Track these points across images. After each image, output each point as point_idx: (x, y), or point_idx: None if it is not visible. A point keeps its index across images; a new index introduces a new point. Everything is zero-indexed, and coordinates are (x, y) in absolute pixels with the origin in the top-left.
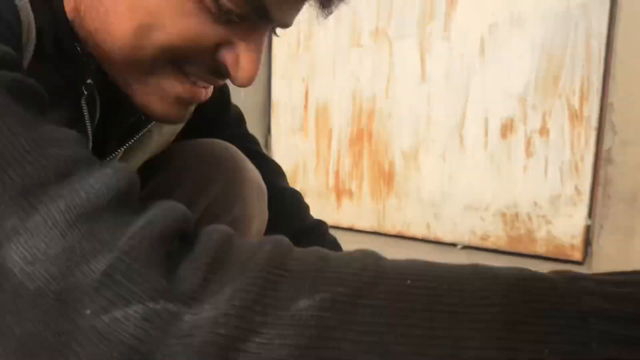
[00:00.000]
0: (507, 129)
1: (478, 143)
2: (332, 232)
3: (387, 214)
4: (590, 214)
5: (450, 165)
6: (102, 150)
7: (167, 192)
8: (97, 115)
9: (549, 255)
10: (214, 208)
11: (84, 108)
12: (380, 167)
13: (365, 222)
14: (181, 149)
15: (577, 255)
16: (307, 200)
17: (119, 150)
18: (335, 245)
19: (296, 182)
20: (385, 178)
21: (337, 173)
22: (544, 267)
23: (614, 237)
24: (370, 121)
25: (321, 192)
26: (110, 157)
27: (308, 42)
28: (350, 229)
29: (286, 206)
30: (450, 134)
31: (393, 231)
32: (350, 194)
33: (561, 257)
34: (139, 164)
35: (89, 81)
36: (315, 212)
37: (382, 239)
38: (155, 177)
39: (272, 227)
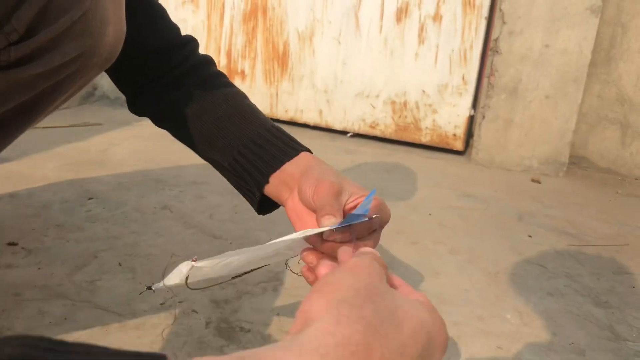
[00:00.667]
0: (402, 12)
1: (373, 27)
2: None
3: (280, 99)
4: (475, 104)
5: (344, 50)
6: None
7: None
8: None
9: (433, 144)
10: None
11: None
12: (275, 47)
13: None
14: None
15: (459, 145)
16: None
17: None
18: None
19: None
20: (280, 59)
21: (229, 52)
22: (427, 156)
23: (493, 126)
24: None
25: None
26: None
27: None
28: None
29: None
30: (346, 15)
31: (285, 117)
32: (242, 75)
33: (444, 146)
34: None
35: None
36: None
37: None
38: None
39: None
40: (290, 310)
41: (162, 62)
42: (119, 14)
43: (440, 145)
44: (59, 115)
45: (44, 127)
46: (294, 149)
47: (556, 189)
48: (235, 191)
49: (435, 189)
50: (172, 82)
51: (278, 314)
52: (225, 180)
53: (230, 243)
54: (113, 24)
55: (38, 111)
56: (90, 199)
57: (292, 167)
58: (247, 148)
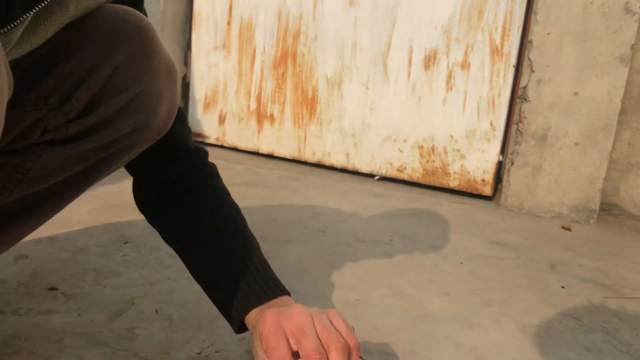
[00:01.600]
0: (430, 60)
1: (401, 73)
2: (252, 158)
3: (308, 142)
4: (503, 150)
5: (372, 95)
6: (5, 15)
7: (66, 56)
8: None
9: (461, 189)
10: (119, 76)
11: None
12: (304, 92)
13: (285, 149)
14: (88, 15)
15: (487, 191)
16: (227, 123)
17: (26, 16)
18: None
19: (216, 104)
20: (308, 104)
21: (258, 96)
22: (455, 201)
23: (522, 172)
24: (295, 43)
25: (241, 116)
26: (16, 23)
27: None
28: (270, 156)
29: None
30: (374, 62)
31: (313, 159)
32: (272, 118)
33: (472, 191)
34: (48, 35)
35: None
36: (235, 137)
37: (302, 167)
38: (53, 39)
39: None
40: None
41: (171, 163)
42: (174, 90)
43: (469, 190)
44: None
45: None
46: (266, 296)
47: (587, 237)
48: (266, 236)
49: (465, 236)
50: (176, 187)
51: None
52: (255, 225)
53: None
54: (167, 100)
55: (91, 180)
56: (125, 243)
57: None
58: (224, 287)
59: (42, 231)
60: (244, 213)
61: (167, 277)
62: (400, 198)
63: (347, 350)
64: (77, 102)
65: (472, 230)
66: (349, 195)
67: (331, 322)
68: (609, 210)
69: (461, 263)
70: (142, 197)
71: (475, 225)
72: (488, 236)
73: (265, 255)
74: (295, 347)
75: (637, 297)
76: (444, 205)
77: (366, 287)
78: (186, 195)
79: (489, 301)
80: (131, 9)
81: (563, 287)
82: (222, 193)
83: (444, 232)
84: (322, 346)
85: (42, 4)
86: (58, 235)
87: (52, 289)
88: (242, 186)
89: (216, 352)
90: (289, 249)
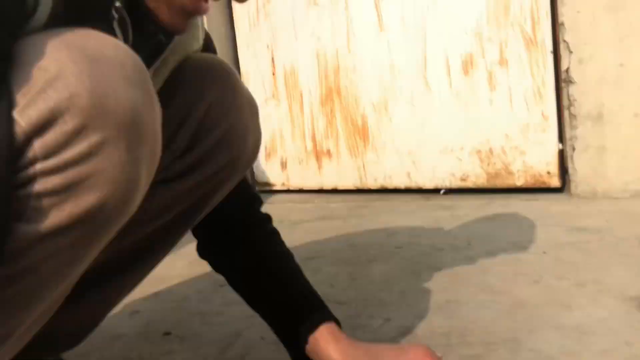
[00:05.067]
0: (467, 64)
1: (443, 83)
2: (318, 196)
3: (367, 169)
4: (561, 138)
5: (420, 110)
6: None
7: (167, 102)
8: (130, 37)
9: (528, 186)
10: (211, 114)
11: (117, 32)
12: (354, 123)
13: (347, 181)
14: (180, 64)
15: (555, 182)
16: (289, 167)
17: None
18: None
19: (275, 151)
20: (360, 133)
21: (313, 136)
22: (525, 199)
23: (586, 156)
24: (337, 78)
25: (301, 158)
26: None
27: (267, 8)
28: (334, 190)
29: None
30: (415, 79)
31: (375, 185)
32: (329, 154)
33: (540, 185)
34: (157, 87)
35: (117, 4)
36: (299, 179)
37: (366, 195)
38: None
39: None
40: None
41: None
42: (257, 123)
43: (536, 186)
44: None
45: None
46: (313, 322)
47: None
48: (347, 260)
49: (543, 229)
50: (238, 236)
51: None
52: (335, 252)
53: (355, 307)
54: (252, 132)
55: (195, 217)
56: (221, 286)
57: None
58: (279, 316)
59: (147, 288)
60: (321, 245)
61: None
62: (470, 206)
63: None
64: (181, 141)
65: (549, 222)
66: (418, 212)
67: None
68: None
69: (544, 253)
70: (207, 250)
71: (550, 217)
72: (566, 225)
73: (350, 277)
74: None
75: None
76: (515, 205)
77: (455, 288)
78: (250, 236)
79: (583, 282)
80: (212, 55)
81: None
82: (275, 234)
83: (520, 229)
84: None
85: (158, 61)
86: (161, 290)
87: (167, 334)
88: (315, 222)
89: None
90: (372, 267)
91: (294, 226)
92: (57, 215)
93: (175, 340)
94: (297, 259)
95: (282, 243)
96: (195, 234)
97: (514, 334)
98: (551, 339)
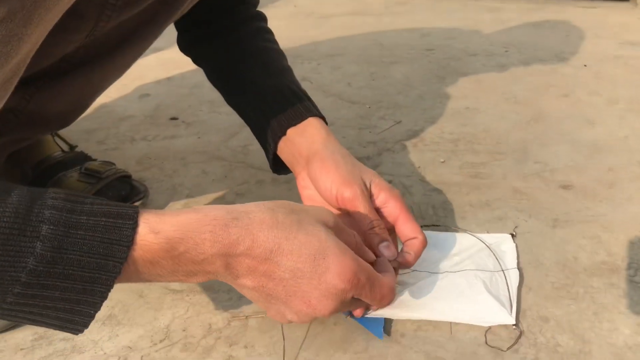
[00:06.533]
0: None
1: None
2: None
3: None
4: None
5: None
6: None
7: None
8: None
9: None
10: None
11: None
12: None
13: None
14: None
15: None
16: None
17: None
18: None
19: None
20: None
21: None
22: (584, 6)
23: None
24: None
25: None
26: None
27: None
28: None
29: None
30: None
31: None
32: None
33: None
34: None
35: None
36: None
37: None
38: None
39: None
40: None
41: (225, 13)
42: None
43: None
44: None
45: None
46: (300, 114)
47: None
48: (371, 59)
49: (592, 40)
50: (225, 30)
51: (419, 167)
52: (360, 50)
53: (369, 107)
54: None
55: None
56: None
57: (300, 140)
58: (260, 107)
59: (160, 72)
60: (347, 42)
61: None
62: (518, 10)
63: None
64: None
65: (602, 33)
66: (459, 12)
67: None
68: None
69: (585, 66)
70: (189, 45)
71: (605, 28)
72: (620, 37)
73: (370, 77)
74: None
75: None
76: (570, 11)
77: (477, 95)
78: (237, 29)
79: (615, 99)
80: None
81: None
82: (268, 32)
83: (567, 37)
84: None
85: None
86: (174, 76)
87: (174, 118)
88: (347, 16)
89: None
90: (394, 68)
91: (323, 20)
92: None
93: (182, 125)
94: (318, 54)
95: (273, 41)
96: (177, 26)
97: (524, 145)
98: (561, 152)
